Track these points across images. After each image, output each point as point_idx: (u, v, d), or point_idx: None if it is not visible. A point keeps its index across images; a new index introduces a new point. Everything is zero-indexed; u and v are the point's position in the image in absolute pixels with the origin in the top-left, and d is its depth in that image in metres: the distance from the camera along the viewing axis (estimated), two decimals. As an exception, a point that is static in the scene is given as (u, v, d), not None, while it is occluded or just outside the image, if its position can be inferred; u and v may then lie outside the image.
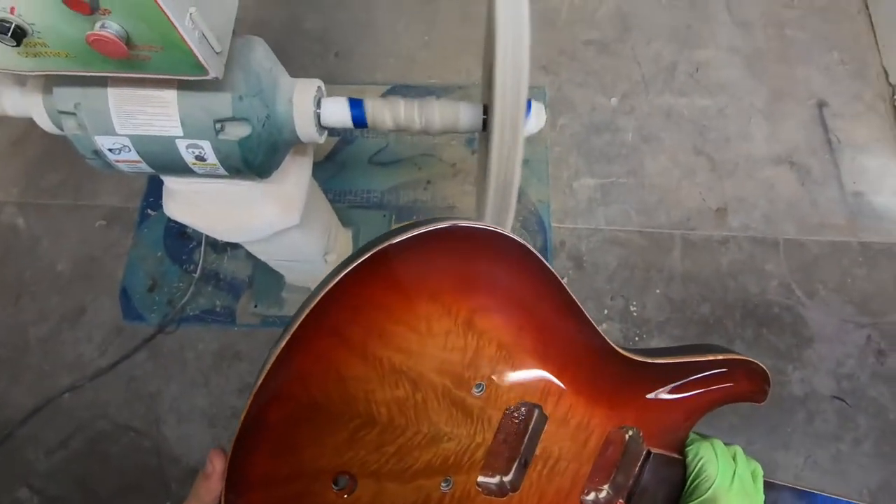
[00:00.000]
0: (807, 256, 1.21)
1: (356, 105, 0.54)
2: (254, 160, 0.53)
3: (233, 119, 0.49)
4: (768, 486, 0.42)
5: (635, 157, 1.31)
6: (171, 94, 0.48)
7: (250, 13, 1.50)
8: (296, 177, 0.68)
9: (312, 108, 0.53)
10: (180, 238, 1.21)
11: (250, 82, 0.49)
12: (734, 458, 0.40)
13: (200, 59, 0.39)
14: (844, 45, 1.42)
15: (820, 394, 1.11)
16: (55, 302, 1.19)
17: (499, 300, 0.32)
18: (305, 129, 0.54)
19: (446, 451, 0.33)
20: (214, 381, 1.12)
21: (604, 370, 0.37)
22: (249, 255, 1.15)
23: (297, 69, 1.41)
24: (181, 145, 0.50)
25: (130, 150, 0.51)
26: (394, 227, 1.17)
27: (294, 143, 0.58)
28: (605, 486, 0.39)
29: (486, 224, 0.30)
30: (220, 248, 1.19)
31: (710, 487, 0.37)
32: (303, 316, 0.27)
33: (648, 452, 0.40)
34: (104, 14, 0.36)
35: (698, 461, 0.39)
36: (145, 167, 0.54)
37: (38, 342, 1.15)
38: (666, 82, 1.39)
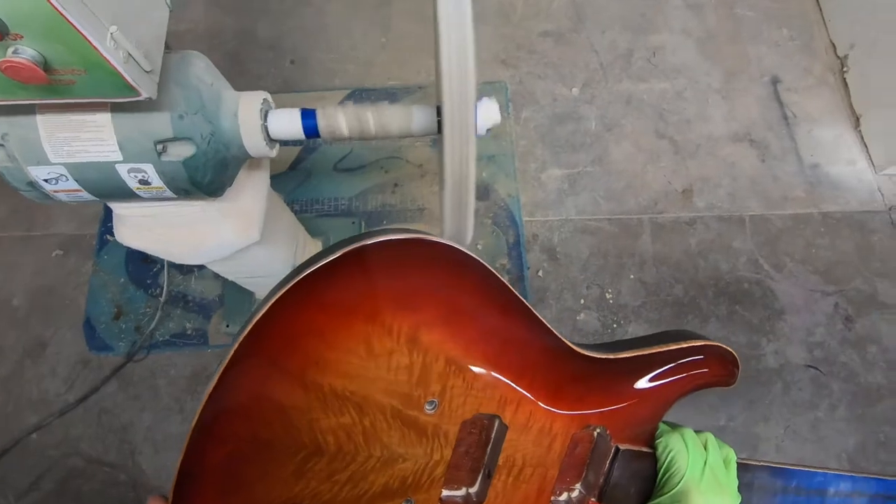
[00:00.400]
0: (772, 230, 1.24)
1: (308, 115, 0.52)
2: (202, 180, 0.50)
3: (174, 139, 0.47)
4: (743, 468, 0.41)
5: (599, 144, 1.32)
6: (105, 118, 0.45)
7: (201, 24, 1.46)
8: (252, 192, 0.66)
9: (259, 121, 0.51)
10: (143, 262, 1.17)
11: (190, 99, 0.47)
12: (705, 447, 0.39)
13: (129, 79, 0.37)
14: (793, 21, 1.45)
15: (794, 364, 1.13)
16: (13, 338, 1.13)
17: (442, 312, 0.31)
18: (254, 143, 0.52)
19: (403, 472, 0.32)
20: (189, 406, 1.09)
21: (563, 371, 0.36)
22: (218, 275, 1.12)
23: (252, 79, 1.38)
24: (122, 170, 0.48)
25: (68, 180, 0.48)
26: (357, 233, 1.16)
27: (245, 159, 0.56)
28: (577, 486, 0.37)
29: (417, 234, 0.28)
30: (187, 269, 1.15)
31: (680, 480, 0.37)
32: (233, 349, 0.26)
33: (617, 449, 0.39)
34: (16, 39, 0.33)
35: (668, 454, 0.38)
36: (87, 196, 0.51)
37: (0, 382, 1.10)
38: (623, 69, 1.40)
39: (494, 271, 0.31)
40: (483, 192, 1.24)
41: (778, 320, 1.16)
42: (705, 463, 0.37)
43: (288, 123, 0.52)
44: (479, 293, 0.32)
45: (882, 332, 1.16)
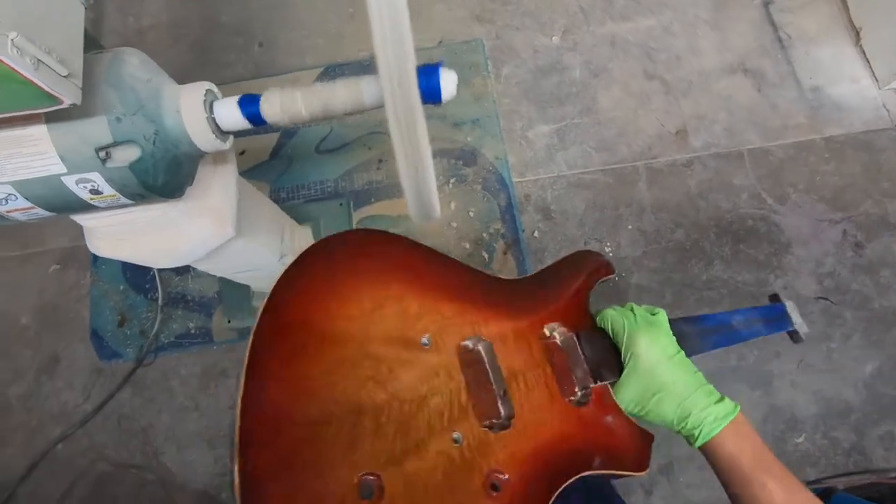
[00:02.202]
0: (773, 162, 1.19)
1: (249, 103, 0.50)
2: (154, 182, 0.49)
3: (116, 143, 0.45)
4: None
5: (587, 93, 1.26)
6: (41, 130, 0.44)
7: (163, 17, 1.42)
8: (220, 187, 0.64)
9: (204, 114, 0.49)
10: (139, 267, 1.17)
11: (127, 99, 0.45)
12: (632, 310, 0.47)
13: (44, 87, 0.35)
14: (782, -66, 1.35)
15: (804, 297, 1.10)
16: (28, 357, 1.16)
17: (400, 276, 0.39)
18: (202, 137, 0.50)
19: (439, 407, 0.36)
20: (205, 403, 1.11)
21: (503, 294, 0.45)
22: (212, 271, 1.12)
23: (222, 67, 1.34)
24: (69, 182, 0.46)
25: (17, 198, 0.47)
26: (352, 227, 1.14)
27: (199, 155, 0.54)
28: (576, 388, 0.44)
29: (369, 231, 0.39)
30: (182, 269, 1.15)
31: (624, 332, 0.45)
32: (248, 352, 0.31)
33: (577, 335, 0.47)
34: (-87, 59, 0.31)
35: (607, 322, 0.47)
36: (43, 212, 0.50)
37: (20, 400, 1.13)
38: (605, 10, 1.33)
39: (421, 244, 0.43)
40: (469, 157, 1.21)
41: (785, 254, 1.13)
42: (634, 314, 0.47)
43: (234, 113, 0.50)
44: (423, 258, 0.42)
45: (895, 254, 1.12)
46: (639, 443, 0.43)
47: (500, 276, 0.46)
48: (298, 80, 1.29)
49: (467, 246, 1.15)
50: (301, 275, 0.35)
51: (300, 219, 1.12)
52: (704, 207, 1.17)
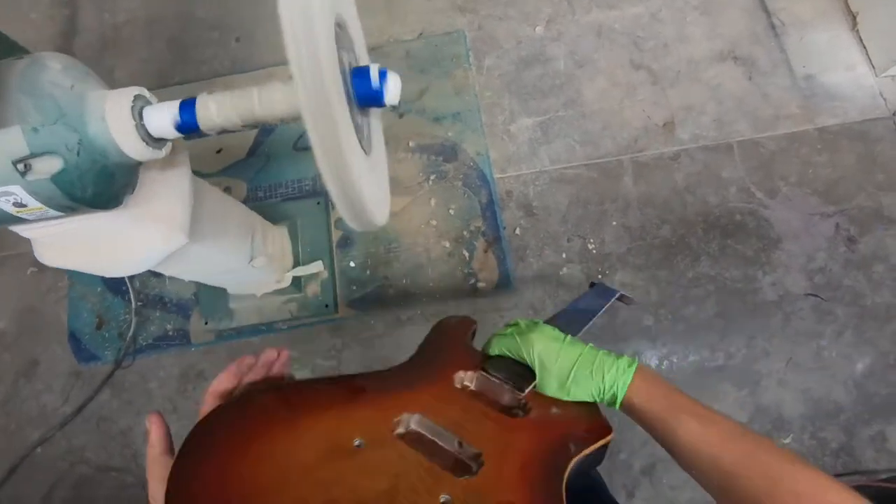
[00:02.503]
0: (764, 154, 1.15)
1: (184, 110, 0.47)
2: (83, 194, 0.47)
3: (34, 155, 0.43)
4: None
5: (571, 85, 1.23)
6: (-47, 142, 0.41)
7: (139, 13, 1.39)
8: (170, 193, 0.62)
9: (131, 122, 0.46)
10: (117, 269, 1.16)
11: (44, 108, 0.43)
12: (514, 324, 0.50)
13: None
14: (776, -86, 1.30)
15: (794, 294, 1.07)
16: (6, 360, 1.15)
17: (300, 415, 0.39)
18: (131, 146, 0.47)
19: (412, 485, 0.34)
20: (183, 406, 1.10)
21: (399, 378, 0.46)
22: (189, 273, 1.10)
23: (198, 63, 1.32)
24: (-10, 196, 0.44)
25: (-62, 212, 0.45)
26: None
27: (134, 163, 0.51)
28: (513, 407, 0.45)
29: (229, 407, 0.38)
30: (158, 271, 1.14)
31: (519, 344, 0.47)
32: None
33: (483, 370, 0.47)
34: None
35: (498, 345, 0.49)
36: (-29, 224, 0.48)
37: (-1, 404, 1.13)
38: (591, -4, 1.29)
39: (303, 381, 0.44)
40: (450, 152, 1.18)
41: (774, 250, 1.10)
42: (517, 324, 0.49)
43: (165, 119, 0.48)
44: (310, 391, 0.43)
45: (889, 249, 1.08)
46: (589, 413, 0.45)
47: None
48: (273, 77, 1.26)
49: (447, 244, 1.12)
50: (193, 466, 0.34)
51: (277, 218, 1.10)
52: (691, 202, 1.13)
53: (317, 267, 1.09)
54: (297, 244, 1.10)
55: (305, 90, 0.35)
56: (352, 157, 0.40)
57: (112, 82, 1.36)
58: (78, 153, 0.45)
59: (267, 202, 1.17)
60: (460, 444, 0.39)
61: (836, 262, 1.08)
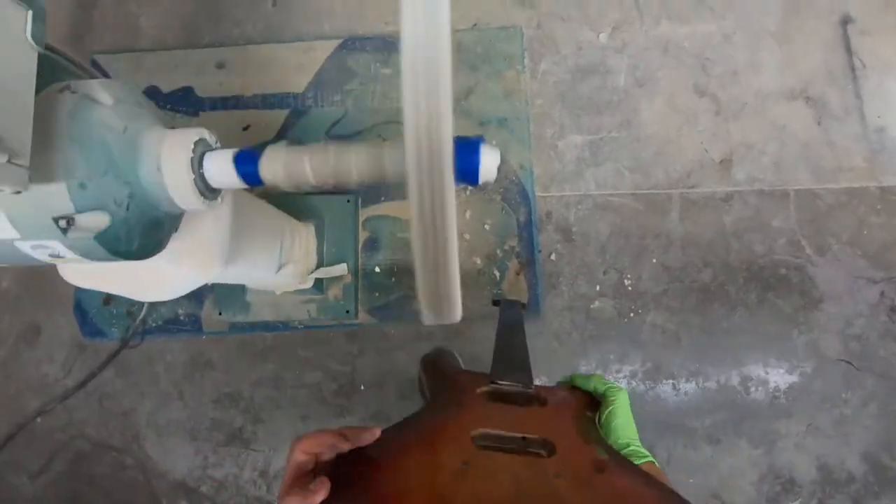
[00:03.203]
0: (820, 207, 1.10)
1: (246, 160, 0.41)
2: (128, 248, 0.41)
3: (78, 212, 0.37)
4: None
5: (628, 104, 1.15)
6: (-15, 190, 0.35)
7: (169, -43, 1.26)
8: (211, 226, 0.56)
9: (190, 175, 0.40)
10: (129, 242, 1.10)
11: (93, 159, 0.37)
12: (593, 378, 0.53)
13: (-27, 181, 0.27)
14: (877, -60, 1.19)
15: (826, 357, 1.05)
16: (7, 322, 1.11)
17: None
18: (187, 199, 0.41)
19: (528, 478, 0.37)
20: (189, 393, 1.07)
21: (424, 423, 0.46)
22: (205, 258, 1.05)
23: (230, 24, 1.21)
24: (23, 247, 0.38)
25: (-38, 255, 0.39)
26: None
27: (183, 212, 0.45)
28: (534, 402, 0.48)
29: None
30: (174, 250, 1.08)
31: (605, 390, 0.51)
32: None
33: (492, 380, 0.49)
34: None
35: (592, 383, 0.52)
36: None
37: (-1, 366, 1.09)
38: (663, 6, 1.18)
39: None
40: (493, 163, 1.11)
41: (814, 310, 1.06)
42: (602, 383, 0.52)
43: (228, 171, 0.41)
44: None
45: (930, 324, 1.05)
46: (569, 393, 0.52)
47: None
48: (313, 51, 1.16)
49: (478, 261, 1.07)
50: None
51: (303, 214, 1.04)
52: (737, 248, 1.08)
53: (341, 270, 1.04)
54: (322, 243, 1.04)
55: (419, 161, 0.31)
56: (454, 240, 0.35)
57: (137, 31, 1.23)
58: (128, 207, 0.39)
59: (289, 197, 1.10)
60: (523, 438, 0.42)
61: (875, 330, 1.05)
